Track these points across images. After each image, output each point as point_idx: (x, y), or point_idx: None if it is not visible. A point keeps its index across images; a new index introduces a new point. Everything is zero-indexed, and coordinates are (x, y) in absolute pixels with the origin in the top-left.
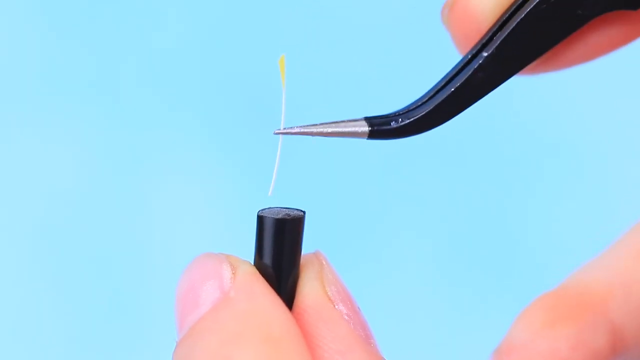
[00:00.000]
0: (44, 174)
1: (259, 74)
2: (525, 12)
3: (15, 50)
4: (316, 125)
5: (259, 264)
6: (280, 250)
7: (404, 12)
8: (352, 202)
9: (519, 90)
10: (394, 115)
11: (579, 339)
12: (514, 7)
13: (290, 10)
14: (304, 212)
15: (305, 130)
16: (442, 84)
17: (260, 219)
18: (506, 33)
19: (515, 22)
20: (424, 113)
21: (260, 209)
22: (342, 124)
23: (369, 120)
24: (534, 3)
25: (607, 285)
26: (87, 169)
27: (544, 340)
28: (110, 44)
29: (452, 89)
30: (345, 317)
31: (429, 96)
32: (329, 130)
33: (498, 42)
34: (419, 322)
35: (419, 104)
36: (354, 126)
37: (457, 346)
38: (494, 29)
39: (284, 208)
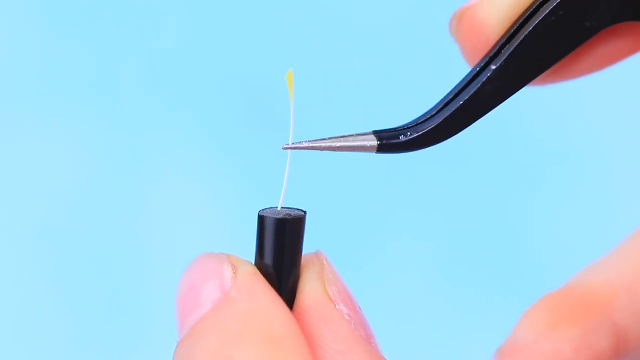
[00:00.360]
0: (44, 174)
1: (259, 74)
2: (533, 25)
3: (15, 50)
4: (324, 139)
5: (259, 263)
6: (281, 250)
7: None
8: (355, 202)
9: (521, 94)
10: (403, 129)
11: (582, 340)
12: (522, 19)
13: (291, 11)
14: (305, 212)
15: (314, 144)
16: (451, 96)
17: (261, 219)
18: (514, 46)
19: (524, 35)
20: (432, 126)
21: (260, 208)
22: (351, 138)
23: (377, 134)
24: (542, 15)
25: (611, 286)
26: (87, 169)
27: (548, 341)
28: (110, 44)
29: (461, 102)
30: (346, 317)
31: (437, 109)
32: (338, 144)
33: (506, 54)
34: (421, 323)
35: (428, 117)
36: (363, 140)
37: (459, 347)
38: (502, 41)
39: (285, 208)
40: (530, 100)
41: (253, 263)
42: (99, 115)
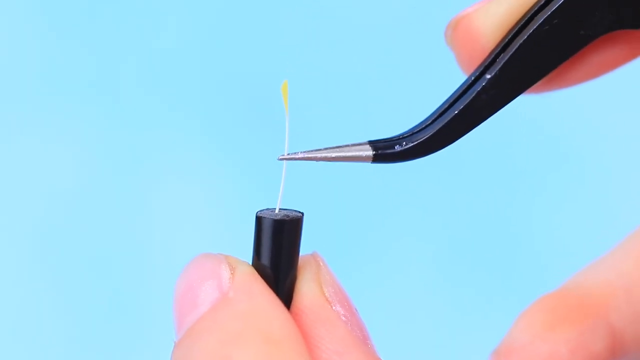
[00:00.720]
0: (44, 174)
1: (259, 74)
2: (528, 34)
3: (16, 51)
4: (320, 150)
5: (257, 264)
6: (278, 251)
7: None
8: (354, 203)
9: (521, 96)
10: (398, 139)
11: (579, 342)
12: (517, 28)
13: (292, 13)
14: (303, 214)
15: (309, 155)
16: (446, 106)
17: (259, 220)
18: (509, 55)
19: (518, 44)
20: (428, 136)
21: (258, 209)
22: (346, 148)
23: (373, 144)
24: (537, 24)
25: (607, 288)
26: (87, 169)
27: (544, 342)
28: (111, 44)
29: (456, 112)
30: (343, 318)
31: (432, 119)
32: (333, 155)
33: (501, 64)
34: (420, 323)
35: (423, 126)
36: (358, 150)
37: (459, 348)
38: (497, 50)
39: (283, 209)
40: (530, 102)
41: (250, 264)
42: (99, 115)
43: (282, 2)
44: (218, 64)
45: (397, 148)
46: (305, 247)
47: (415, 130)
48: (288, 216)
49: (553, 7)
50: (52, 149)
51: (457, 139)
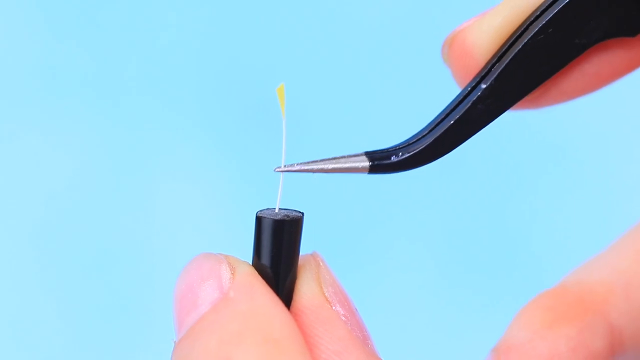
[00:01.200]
0: (44, 174)
1: (259, 75)
2: (523, 43)
3: (16, 51)
4: (316, 161)
5: (257, 264)
6: (278, 251)
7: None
8: (353, 203)
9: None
10: (394, 149)
11: (578, 340)
12: (513, 38)
13: (292, 15)
14: (303, 214)
15: (306, 167)
16: (442, 116)
17: (259, 220)
18: (504, 64)
19: (513, 53)
20: (424, 146)
21: (258, 209)
22: (343, 159)
23: (369, 154)
24: (532, 34)
25: (606, 285)
26: (87, 169)
27: (543, 340)
28: (111, 44)
29: (452, 122)
30: (343, 318)
31: (428, 129)
32: (330, 166)
33: (496, 73)
34: (419, 324)
35: (419, 137)
36: (355, 161)
37: (458, 348)
38: (493, 60)
39: (283, 209)
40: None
41: (251, 264)
42: (99, 116)
43: (282, 6)
44: (218, 65)
45: (394, 159)
46: (306, 247)
47: (412, 141)
48: (288, 216)
49: (548, 16)
50: (52, 149)
51: (453, 149)
